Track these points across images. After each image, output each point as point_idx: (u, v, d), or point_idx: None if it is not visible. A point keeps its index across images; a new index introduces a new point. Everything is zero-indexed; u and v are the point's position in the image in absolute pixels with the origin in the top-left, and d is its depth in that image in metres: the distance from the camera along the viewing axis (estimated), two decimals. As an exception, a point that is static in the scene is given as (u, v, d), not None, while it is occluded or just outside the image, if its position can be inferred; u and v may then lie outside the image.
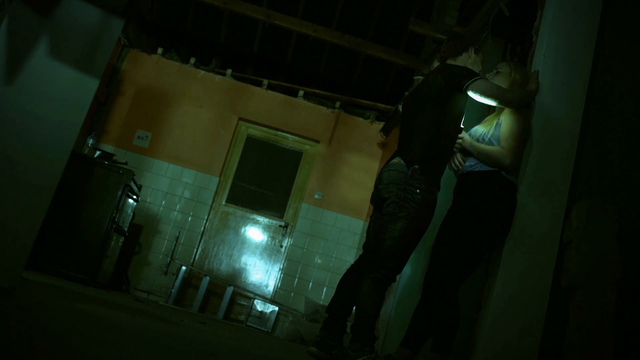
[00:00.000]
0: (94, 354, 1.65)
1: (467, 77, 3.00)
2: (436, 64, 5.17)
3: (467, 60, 3.23)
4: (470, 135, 3.16)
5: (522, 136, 3.02)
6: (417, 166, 2.92)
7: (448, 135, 3.05)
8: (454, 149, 3.21)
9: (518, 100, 3.02)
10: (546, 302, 2.89)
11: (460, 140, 3.18)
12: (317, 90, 7.19)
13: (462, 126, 3.20)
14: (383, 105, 7.09)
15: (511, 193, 2.98)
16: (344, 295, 3.13)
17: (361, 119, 7.06)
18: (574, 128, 3.11)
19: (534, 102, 3.12)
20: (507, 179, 2.97)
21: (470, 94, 3.01)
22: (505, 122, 3.05)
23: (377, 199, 3.11)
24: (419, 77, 5.76)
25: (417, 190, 2.89)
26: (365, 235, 6.41)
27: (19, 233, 2.27)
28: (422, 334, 3.00)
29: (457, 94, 3.03)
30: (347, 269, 3.23)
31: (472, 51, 3.25)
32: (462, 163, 3.16)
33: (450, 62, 3.24)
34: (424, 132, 3.01)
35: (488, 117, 3.25)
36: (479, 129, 3.17)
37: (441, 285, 2.94)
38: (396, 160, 3.04)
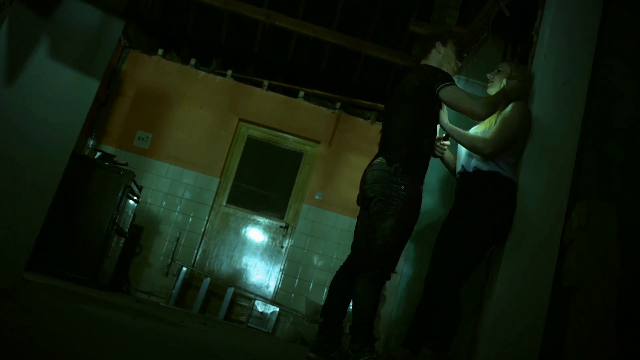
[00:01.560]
0: (94, 355, 1.65)
1: (439, 81, 3.02)
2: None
3: (437, 55, 3.26)
4: None
5: (513, 132, 2.99)
6: (398, 164, 2.95)
7: (426, 133, 3.10)
8: (437, 153, 3.25)
9: (484, 113, 3.01)
10: (547, 302, 2.89)
11: (445, 145, 3.25)
12: (317, 91, 7.19)
13: (442, 135, 3.24)
14: (383, 106, 7.07)
15: (511, 192, 2.98)
16: (337, 297, 3.14)
17: (361, 120, 7.06)
18: (575, 128, 3.11)
19: (534, 102, 3.12)
20: (507, 178, 2.98)
21: (441, 98, 3.03)
22: (501, 116, 3.05)
23: (363, 199, 3.14)
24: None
25: (402, 187, 2.93)
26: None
27: (20, 234, 2.27)
28: (423, 334, 3.00)
29: (431, 95, 3.06)
30: (337, 271, 3.23)
31: (439, 45, 3.27)
32: (444, 147, 3.29)
33: (423, 62, 3.27)
34: (402, 131, 3.07)
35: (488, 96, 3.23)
36: (478, 129, 3.17)
37: (443, 284, 2.94)
38: (378, 160, 3.09)
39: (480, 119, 3.06)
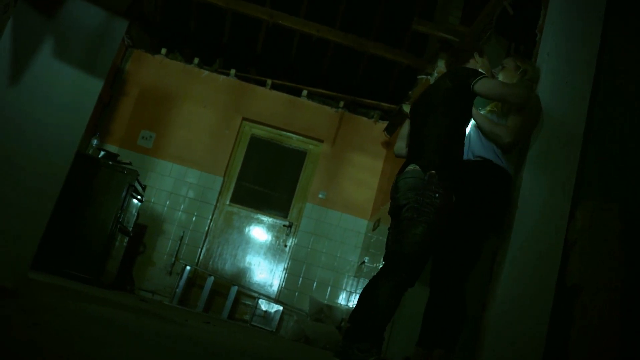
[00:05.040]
0: (97, 355, 1.65)
1: (472, 76, 2.98)
2: (440, 63, 5.17)
3: (476, 66, 3.23)
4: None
5: (530, 122, 3.01)
6: (433, 171, 2.89)
7: (460, 138, 3.04)
8: None
9: (523, 98, 2.98)
10: (551, 302, 2.88)
11: None
12: (320, 90, 7.18)
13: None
14: (387, 105, 7.08)
15: (501, 180, 2.99)
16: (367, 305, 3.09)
17: (365, 119, 7.06)
18: (578, 127, 3.10)
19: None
20: (498, 167, 2.98)
21: (477, 92, 2.99)
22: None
23: (395, 208, 3.06)
24: (423, 76, 5.75)
25: (436, 195, 2.85)
26: (368, 235, 6.38)
27: (24, 235, 2.28)
28: (436, 332, 3.00)
29: (465, 96, 3.02)
30: (370, 280, 3.18)
31: (477, 56, 3.25)
32: None
33: None
34: (436, 137, 2.99)
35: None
36: (490, 109, 3.19)
37: (447, 282, 2.95)
38: (411, 167, 2.98)
39: (521, 102, 2.98)
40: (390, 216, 3.19)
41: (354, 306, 3.13)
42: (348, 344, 2.96)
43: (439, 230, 2.92)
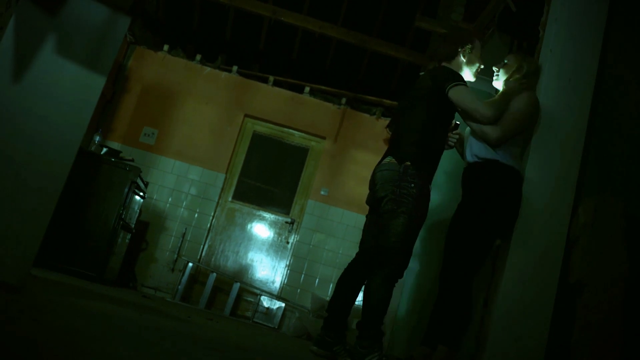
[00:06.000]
0: (100, 351, 1.66)
1: (450, 81, 3.02)
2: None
3: (461, 61, 3.24)
4: None
5: (521, 119, 3.01)
6: (408, 163, 2.96)
7: (438, 132, 3.09)
8: (450, 143, 3.24)
9: (485, 119, 2.99)
10: (553, 299, 2.89)
11: (456, 135, 3.24)
12: (323, 87, 7.18)
13: (457, 122, 3.23)
14: (389, 102, 7.07)
15: (512, 179, 2.98)
16: (344, 294, 3.16)
17: (367, 115, 7.05)
18: (581, 123, 3.10)
19: (540, 97, 3.11)
20: (507, 166, 2.98)
21: (449, 98, 3.01)
22: (510, 105, 3.05)
23: (373, 199, 3.14)
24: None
25: (412, 185, 2.94)
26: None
27: (26, 232, 2.28)
28: (441, 331, 3.01)
29: (443, 97, 3.05)
30: (345, 268, 3.25)
31: (466, 50, 3.25)
32: (455, 139, 3.25)
33: (444, 64, 3.25)
34: (413, 130, 3.07)
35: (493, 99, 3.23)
36: None
37: (454, 280, 2.95)
38: (388, 159, 3.09)
39: (486, 121, 3.00)
40: (367, 205, 3.25)
41: (331, 296, 3.20)
42: (325, 333, 3.03)
43: (420, 218, 2.98)
